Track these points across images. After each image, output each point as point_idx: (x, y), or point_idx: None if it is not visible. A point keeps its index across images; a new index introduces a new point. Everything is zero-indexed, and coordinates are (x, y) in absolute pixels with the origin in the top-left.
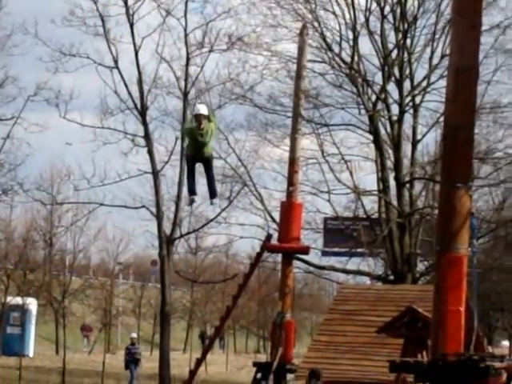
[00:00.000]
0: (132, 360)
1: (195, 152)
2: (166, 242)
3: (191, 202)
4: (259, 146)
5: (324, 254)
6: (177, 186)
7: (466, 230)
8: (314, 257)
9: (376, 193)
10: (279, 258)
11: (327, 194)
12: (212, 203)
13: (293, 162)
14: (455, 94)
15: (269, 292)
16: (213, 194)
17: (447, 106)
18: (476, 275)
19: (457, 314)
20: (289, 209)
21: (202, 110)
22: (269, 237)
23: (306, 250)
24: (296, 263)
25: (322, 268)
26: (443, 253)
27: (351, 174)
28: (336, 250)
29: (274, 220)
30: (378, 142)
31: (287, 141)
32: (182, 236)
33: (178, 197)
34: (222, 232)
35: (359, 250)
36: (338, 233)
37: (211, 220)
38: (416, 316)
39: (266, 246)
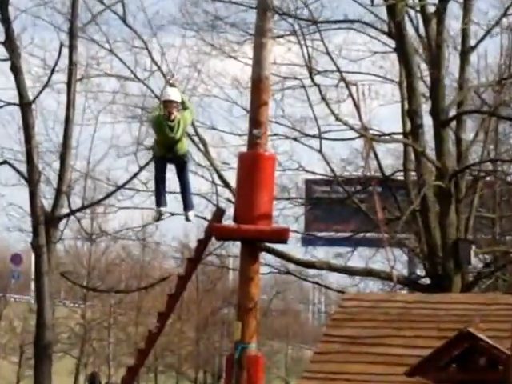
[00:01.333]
0: None
1: (165, 150)
2: (45, 222)
3: (159, 216)
4: (202, 57)
5: (307, 241)
6: (63, 127)
7: None
8: (292, 246)
9: (399, 137)
10: (236, 248)
11: (316, 141)
12: (188, 219)
13: (259, 84)
14: None
15: (213, 308)
16: (188, 205)
17: None
18: None
19: None
20: (252, 165)
21: (173, 95)
22: (219, 213)
23: (281, 236)
24: (264, 257)
25: (310, 266)
26: None
27: (357, 106)
28: (329, 234)
29: (226, 185)
30: (403, 51)
31: (248, 49)
32: (71, 213)
33: (65, 145)
34: (139, 206)
35: (369, 234)
36: (333, 205)
37: (121, 186)
38: (476, 347)
39: (215, 228)
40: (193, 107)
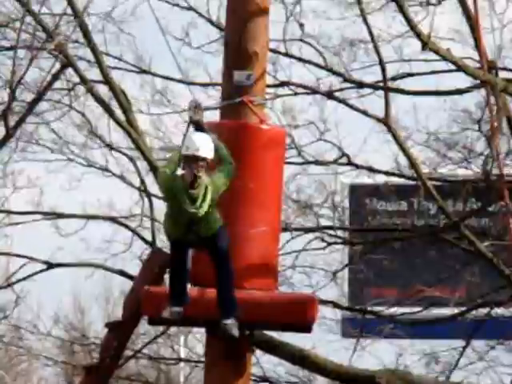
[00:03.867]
0: None
1: (182, 230)
2: None
3: (175, 318)
4: None
5: (356, 325)
6: None
7: None
8: (320, 339)
9: None
10: (197, 343)
11: (377, 98)
12: (225, 329)
13: None
14: None
15: None
16: (226, 308)
17: None
18: None
19: None
20: (235, 154)
21: (203, 146)
22: (157, 261)
23: (300, 316)
24: (259, 364)
25: (364, 381)
26: None
27: (471, 16)
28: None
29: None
30: None
31: None
32: None
33: None
34: None
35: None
36: (419, 246)
37: None
38: None
39: (148, 296)
40: (231, 162)
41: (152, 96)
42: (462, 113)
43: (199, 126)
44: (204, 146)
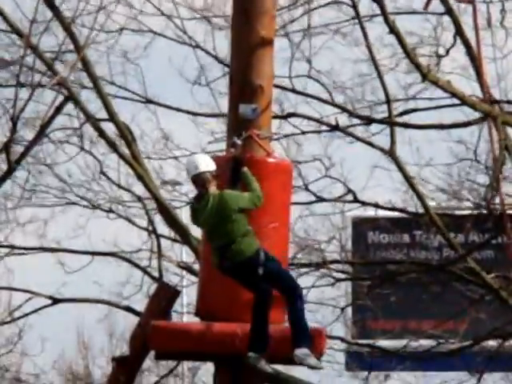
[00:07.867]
0: None
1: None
2: None
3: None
4: None
5: (358, 359)
6: None
7: None
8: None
9: None
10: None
11: (383, 134)
12: (298, 359)
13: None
14: None
15: None
16: (296, 338)
17: None
18: None
19: None
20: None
21: (200, 164)
22: (167, 296)
23: (313, 353)
24: None
25: None
26: None
27: (472, 53)
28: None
29: (179, 230)
30: None
31: None
32: None
33: None
34: None
35: None
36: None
37: None
38: None
39: (156, 331)
40: (255, 190)
41: (154, 144)
42: (462, 146)
43: (239, 162)
44: (200, 161)
